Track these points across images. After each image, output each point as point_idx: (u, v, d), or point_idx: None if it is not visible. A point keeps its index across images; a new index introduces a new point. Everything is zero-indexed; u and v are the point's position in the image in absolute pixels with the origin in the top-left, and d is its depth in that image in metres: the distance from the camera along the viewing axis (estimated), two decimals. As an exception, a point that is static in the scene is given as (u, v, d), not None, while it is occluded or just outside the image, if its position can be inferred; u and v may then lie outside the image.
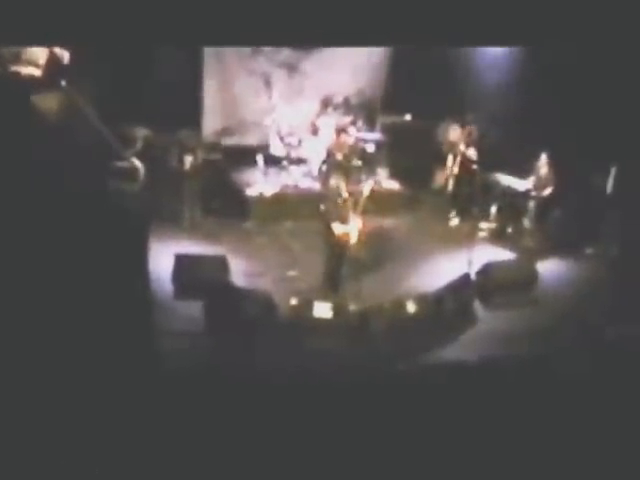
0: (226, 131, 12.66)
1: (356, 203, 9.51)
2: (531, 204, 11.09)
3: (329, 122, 12.11)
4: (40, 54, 6.12)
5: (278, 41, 8.71)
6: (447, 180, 12.35)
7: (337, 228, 9.28)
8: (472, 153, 11.73)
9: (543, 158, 11.00)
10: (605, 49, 9.12)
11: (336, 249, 9.32)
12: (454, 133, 12.25)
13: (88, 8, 5.93)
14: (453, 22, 6.55)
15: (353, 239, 9.28)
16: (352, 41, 6.87)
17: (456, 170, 11.96)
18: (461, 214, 11.78)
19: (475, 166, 11.61)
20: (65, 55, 6.33)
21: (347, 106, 12.42)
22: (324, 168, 11.66)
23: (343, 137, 11.86)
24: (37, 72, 6.12)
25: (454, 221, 11.80)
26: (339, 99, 12.41)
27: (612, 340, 8.09)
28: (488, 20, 6.60)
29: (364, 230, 9.46)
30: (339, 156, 11.57)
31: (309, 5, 6.34)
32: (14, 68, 5.97)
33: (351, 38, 6.67)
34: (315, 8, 6.33)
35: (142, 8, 5.98)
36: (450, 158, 12.07)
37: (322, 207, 9.70)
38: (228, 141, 12.48)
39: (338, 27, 6.48)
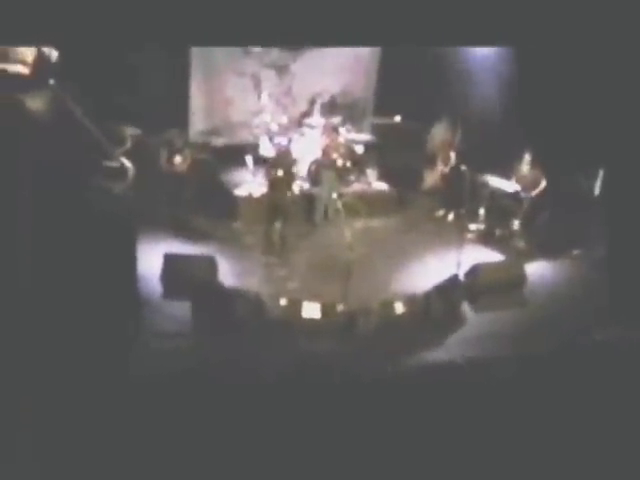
0: (215, 131, 12.66)
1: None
2: (519, 206, 11.12)
3: (316, 122, 12.12)
4: (28, 52, 6.09)
5: (268, 41, 8.70)
6: (436, 181, 12.40)
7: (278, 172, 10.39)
8: (459, 154, 11.79)
9: (526, 158, 11.05)
10: (594, 50, 9.17)
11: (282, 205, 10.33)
12: (443, 134, 12.28)
13: (77, 8, 5.92)
14: (442, 22, 6.58)
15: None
16: (342, 41, 6.88)
17: (445, 171, 12.00)
18: (450, 214, 11.83)
19: (464, 167, 11.64)
20: (53, 54, 6.30)
21: (333, 105, 12.42)
22: (313, 168, 11.67)
23: (335, 137, 11.87)
24: (25, 70, 6.09)
25: (450, 216, 11.81)
26: (325, 98, 12.41)
27: (600, 341, 8.12)
28: (476, 20, 6.63)
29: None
30: (334, 155, 11.58)
31: (299, 5, 6.35)
32: (1, 66, 5.94)
33: (341, 38, 6.68)
34: (304, 8, 6.34)
35: (130, 8, 5.98)
36: (439, 159, 12.11)
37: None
38: (217, 141, 12.48)
39: (328, 27, 6.49)
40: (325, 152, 11.66)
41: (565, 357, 7.63)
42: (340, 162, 11.67)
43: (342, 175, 11.57)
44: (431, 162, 12.42)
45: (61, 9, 5.86)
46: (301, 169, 11.67)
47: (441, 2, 6.54)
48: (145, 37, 6.26)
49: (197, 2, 6.22)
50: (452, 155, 11.89)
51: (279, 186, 10.52)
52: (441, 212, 12.07)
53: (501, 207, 11.38)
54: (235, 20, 6.32)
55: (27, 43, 6.08)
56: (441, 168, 12.08)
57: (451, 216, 11.90)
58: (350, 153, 12.03)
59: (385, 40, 8.52)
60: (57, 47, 6.38)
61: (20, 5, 5.72)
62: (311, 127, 12.05)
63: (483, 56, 12.10)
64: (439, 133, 12.40)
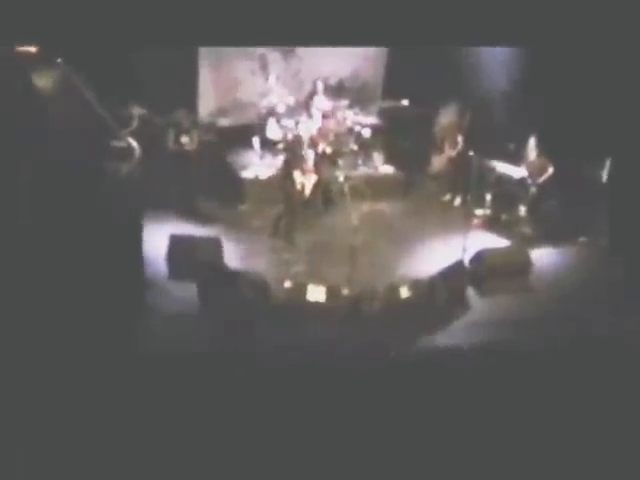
0: (222, 113, 12.61)
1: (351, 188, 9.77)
2: (526, 192, 11.09)
3: (323, 104, 12.06)
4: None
5: (273, 41, 8.68)
6: (443, 166, 12.35)
7: (298, 177, 10.22)
8: (467, 139, 11.74)
9: (532, 142, 11.00)
10: (604, 37, 9.11)
11: (294, 198, 10.20)
12: (452, 118, 12.22)
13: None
14: (447, 21, 6.56)
15: (307, 191, 10.34)
16: (348, 41, 6.86)
17: (453, 155, 11.96)
18: (457, 198, 11.81)
19: (471, 152, 11.60)
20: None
21: (341, 89, 12.36)
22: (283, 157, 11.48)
23: (329, 123, 11.77)
24: (33, 49, 6.08)
25: (456, 201, 11.77)
26: (333, 81, 12.34)
27: (603, 327, 8.13)
28: (481, 19, 6.61)
29: (318, 185, 10.64)
30: (322, 145, 11.44)
31: (305, 5, 6.34)
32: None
33: (347, 38, 6.66)
34: (311, 8, 6.32)
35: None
36: (447, 143, 12.06)
37: (285, 156, 10.80)
38: (224, 123, 12.43)
39: (334, 27, 6.48)
40: (320, 140, 11.52)
41: (569, 343, 7.64)
42: (324, 148, 11.51)
43: (336, 164, 11.46)
44: (439, 146, 12.36)
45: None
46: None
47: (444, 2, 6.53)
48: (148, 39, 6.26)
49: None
50: (460, 139, 11.83)
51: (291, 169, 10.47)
52: (447, 197, 12.03)
53: (507, 193, 11.34)
54: (239, 20, 6.31)
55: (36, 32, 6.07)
56: (449, 152, 12.02)
57: (457, 201, 11.86)
58: (356, 136, 11.94)
59: (391, 40, 8.49)
60: (67, 32, 6.36)
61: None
62: (318, 110, 11.99)
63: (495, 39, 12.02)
64: (448, 117, 12.32)
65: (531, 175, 11.05)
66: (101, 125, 6.97)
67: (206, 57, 12.47)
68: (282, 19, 6.39)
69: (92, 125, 6.86)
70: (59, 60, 6.35)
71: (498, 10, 6.57)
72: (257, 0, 6.40)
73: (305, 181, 10.47)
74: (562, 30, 6.86)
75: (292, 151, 10.90)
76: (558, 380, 6.76)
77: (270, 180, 11.32)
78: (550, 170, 10.95)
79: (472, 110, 12.00)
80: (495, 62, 12.11)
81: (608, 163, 10.83)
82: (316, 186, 10.64)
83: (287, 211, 10.32)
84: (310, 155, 10.74)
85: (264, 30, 6.46)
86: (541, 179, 11.00)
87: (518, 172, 11.14)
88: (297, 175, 10.35)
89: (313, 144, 11.26)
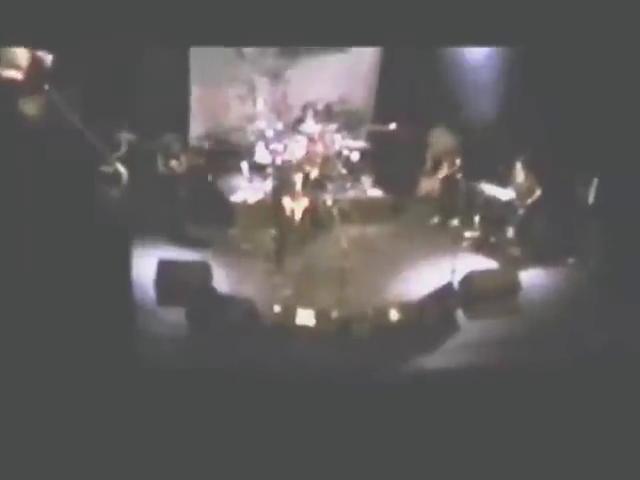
0: (211, 137, 12.65)
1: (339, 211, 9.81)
2: (514, 214, 11.14)
3: (311, 129, 12.11)
4: (22, 57, 6.07)
5: (266, 41, 8.70)
6: (432, 188, 12.43)
7: (287, 204, 10.28)
8: (459, 161, 11.84)
9: (519, 164, 11.08)
10: (588, 56, 9.21)
11: (284, 225, 10.24)
12: (449, 140, 12.29)
13: (73, 10, 5.92)
14: (442, 22, 6.60)
15: (298, 216, 10.43)
16: (341, 41, 6.88)
17: (446, 177, 12.05)
18: (445, 221, 11.85)
19: (459, 175, 11.67)
20: (48, 58, 6.28)
21: (329, 113, 12.43)
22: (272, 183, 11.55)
23: (317, 147, 11.81)
24: (19, 75, 6.07)
25: (445, 224, 11.80)
26: (320, 106, 12.42)
27: (593, 348, 8.13)
28: (475, 21, 6.65)
29: (309, 210, 10.71)
30: (310, 169, 11.47)
31: (297, 5, 6.36)
32: (-5, 70, 5.93)
33: (340, 38, 6.68)
34: (303, 8, 6.34)
35: (128, 10, 5.98)
36: (444, 165, 12.12)
37: (274, 182, 11.00)
38: (213, 147, 12.47)
39: (327, 27, 6.49)
40: (305, 165, 11.54)
41: (559, 364, 7.64)
42: (313, 172, 11.52)
43: (321, 188, 11.47)
44: (433, 168, 12.44)
45: (56, 11, 5.86)
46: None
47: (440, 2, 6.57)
48: (142, 41, 6.27)
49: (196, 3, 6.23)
50: (457, 162, 11.89)
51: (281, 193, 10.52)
52: (436, 219, 12.08)
53: (496, 215, 11.39)
54: (234, 20, 6.32)
55: (22, 44, 6.07)
56: (443, 174, 12.09)
57: (446, 223, 11.91)
58: (329, 166, 11.94)
59: (384, 40, 8.53)
60: (52, 50, 6.37)
61: (16, 7, 5.72)
62: (305, 134, 12.05)
63: (480, 63, 12.16)
64: (444, 139, 12.40)
65: (519, 197, 11.12)
66: (89, 150, 6.96)
67: (195, 81, 12.55)
68: (275, 19, 6.40)
69: (80, 151, 6.85)
70: (46, 87, 6.33)
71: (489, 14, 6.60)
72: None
73: (295, 206, 10.50)
74: (549, 45, 6.93)
75: (281, 176, 10.94)
76: (549, 401, 6.74)
77: (259, 204, 11.34)
78: (538, 192, 11.01)
79: (463, 133, 12.11)
80: (482, 84, 12.23)
81: (595, 183, 10.90)
82: (306, 211, 10.68)
83: (277, 236, 10.33)
84: (299, 179, 10.78)
85: (256, 30, 6.46)
86: (529, 201, 11.06)
87: (506, 194, 11.21)
88: (286, 201, 10.39)
89: (301, 168, 11.30)
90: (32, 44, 6.11)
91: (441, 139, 12.46)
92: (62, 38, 6.20)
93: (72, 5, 5.95)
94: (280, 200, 10.41)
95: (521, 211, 11.08)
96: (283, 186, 10.70)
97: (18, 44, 6.01)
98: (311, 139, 11.83)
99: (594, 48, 7.97)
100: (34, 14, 5.76)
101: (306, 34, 6.62)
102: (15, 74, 6.07)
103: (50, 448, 5.78)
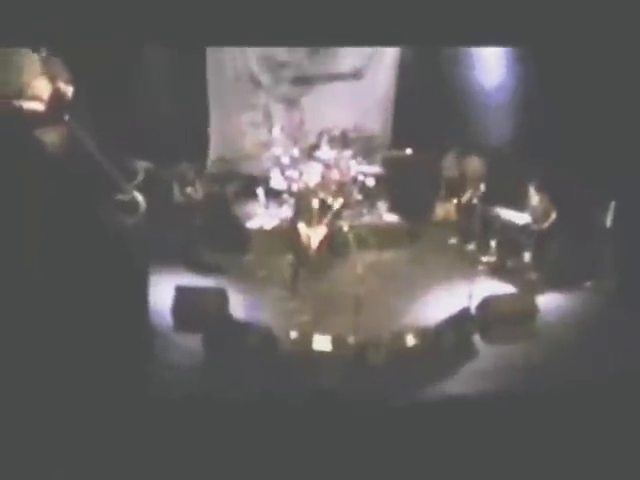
0: (227, 164, 12.76)
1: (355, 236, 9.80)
2: (531, 237, 11.12)
3: (327, 155, 12.17)
4: (44, 89, 6.19)
5: (278, 42, 8.79)
6: (448, 213, 12.47)
7: (303, 230, 10.14)
8: (483, 186, 11.84)
9: (534, 188, 11.09)
10: (607, 80, 9.23)
11: (300, 251, 10.11)
12: (476, 166, 12.32)
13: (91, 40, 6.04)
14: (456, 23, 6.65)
15: (315, 244, 10.17)
16: (356, 41, 6.91)
17: (459, 202, 12.08)
18: (462, 246, 11.83)
19: (475, 200, 11.69)
20: (69, 89, 6.40)
21: (344, 140, 12.50)
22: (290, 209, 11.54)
23: (333, 173, 11.84)
24: (41, 107, 6.18)
25: (461, 249, 11.77)
26: (336, 132, 12.48)
27: (613, 372, 8.07)
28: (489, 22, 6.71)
29: (325, 239, 10.51)
30: (321, 195, 11.44)
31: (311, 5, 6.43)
32: (17, 103, 6.03)
33: (355, 38, 6.74)
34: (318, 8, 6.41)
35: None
36: (465, 191, 12.14)
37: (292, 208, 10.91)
38: (229, 174, 12.57)
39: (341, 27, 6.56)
40: (320, 190, 11.53)
41: (578, 389, 7.57)
42: (328, 198, 11.50)
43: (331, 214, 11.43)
44: (451, 193, 12.46)
45: (75, 41, 5.98)
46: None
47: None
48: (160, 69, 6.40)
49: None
50: (481, 187, 11.88)
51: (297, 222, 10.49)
52: (452, 244, 12.07)
53: (512, 239, 11.38)
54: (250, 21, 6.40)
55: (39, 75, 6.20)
56: (466, 199, 12.10)
57: (462, 248, 11.90)
58: (345, 192, 11.95)
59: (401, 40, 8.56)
60: (72, 83, 6.48)
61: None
62: (321, 160, 12.11)
63: (495, 88, 12.25)
64: (474, 165, 12.45)
65: (535, 221, 11.11)
66: (107, 179, 7.04)
67: (211, 108, 12.69)
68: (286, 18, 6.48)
69: (98, 179, 6.93)
70: (66, 117, 6.43)
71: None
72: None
73: (312, 233, 10.47)
74: (569, 69, 6.99)
75: (297, 203, 10.96)
76: (567, 427, 6.68)
77: (275, 230, 11.38)
78: (553, 215, 11.00)
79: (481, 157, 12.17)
80: (498, 109, 12.29)
81: (612, 207, 10.88)
82: (324, 239, 10.64)
83: (293, 262, 10.34)
84: (315, 206, 10.79)
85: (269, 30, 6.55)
86: (545, 224, 11.04)
87: (522, 218, 11.20)
88: (302, 227, 10.38)
89: (316, 195, 11.34)
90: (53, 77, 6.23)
91: (471, 165, 12.49)
92: (80, 67, 6.34)
93: (88, 31, 6.07)
94: (296, 226, 10.41)
95: (537, 235, 11.05)
96: (300, 212, 10.70)
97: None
98: (327, 165, 11.88)
99: (609, 71, 8.00)
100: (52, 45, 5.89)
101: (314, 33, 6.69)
102: (37, 105, 6.18)
103: (64, 473, 5.79)
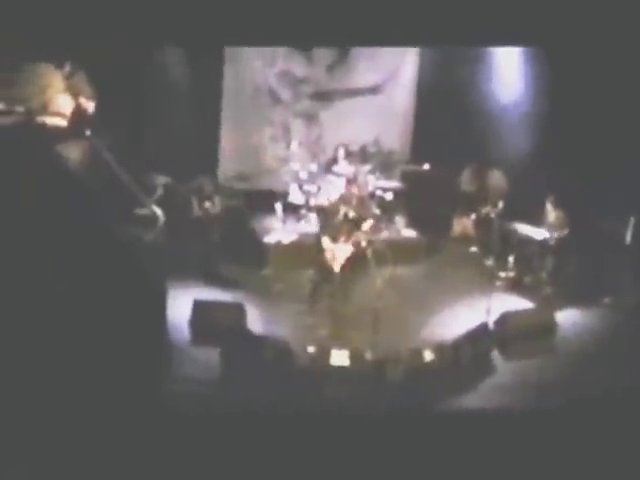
0: (245, 178, 12.83)
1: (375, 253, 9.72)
2: (548, 253, 11.08)
3: (345, 170, 12.19)
4: (67, 105, 6.28)
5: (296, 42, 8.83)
6: (466, 229, 12.44)
7: (327, 245, 9.83)
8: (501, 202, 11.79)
9: (548, 206, 11.06)
10: (626, 93, 9.20)
11: (323, 267, 9.83)
12: (498, 181, 12.32)
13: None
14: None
15: (340, 262, 9.81)
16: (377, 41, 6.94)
17: (477, 218, 12.06)
18: (480, 261, 11.80)
19: (493, 215, 11.66)
20: (90, 105, 6.49)
21: (364, 155, 12.51)
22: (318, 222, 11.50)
23: (352, 188, 11.82)
24: (63, 122, 6.27)
25: (479, 264, 11.70)
26: (354, 147, 12.50)
27: (631, 389, 8.00)
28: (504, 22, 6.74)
29: (352, 257, 9.96)
30: (343, 209, 11.38)
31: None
32: (40, 119, 6.12)
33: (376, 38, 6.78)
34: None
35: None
36: (483, 206, 12.11)
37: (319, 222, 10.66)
38: (247, 188, 12.63)
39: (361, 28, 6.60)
40: (342, 205, 11.46)
41: (596, 405, 7.52)
42: (348, 213, 11.43)
43: (354, 228, 11.31)
44: (469, 208, 12.44)
45: (96, 57, 6.08)
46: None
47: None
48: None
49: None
50: (500, 203, 11.82)
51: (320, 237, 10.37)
52: (470, 259, 12.03)
53: (530, 254, 11.34)
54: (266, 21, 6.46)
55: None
56: (485, 213, 12.05)
57: (480, 263, 11.86)
58: (379, 201, 11.99)
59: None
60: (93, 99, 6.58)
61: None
62: (339, 175, 12.14)
63: (515, 103, 12.26)
64: (496, 180, 12.45)
65: (552, 236, 11.06)
66: (127, 194, 7.10)
67: (228, 124, 12.77)
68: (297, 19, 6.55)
69: (118, 194, 7.00)
70: (88, 132, 6.52)
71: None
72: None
73: (336, 250, 10.21)
74: (585, 84, 6.99)
75: (322, 218, 10.89)
76: (586, 442, 6.64)
77: (293, 245, 11.40)
78: (566, 230, 10.95)
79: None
80: (515, 125, 12.28)
81: (632, 222, 10.83)
82: (350, 258, 10.13)
83: (315, 277, 10.24)
84: (340, 223, 10.59)
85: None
86: (560, 235, 10.98)
87: (540, 234, 11.16)
88: (326, 242, 10.14)
89: (339, 209, 11.31)
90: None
91: (493, 179, 12.49)
92: (100, 83, 6.42)
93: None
94: (321, 241, 10.27)
95: (555, 250, 11.01)
96: (325, 227, 10.61)
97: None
98: (347, 180, 11.89)
99: (630, 91, 7.99)
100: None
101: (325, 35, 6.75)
102: (59, 121, 6.26)
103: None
